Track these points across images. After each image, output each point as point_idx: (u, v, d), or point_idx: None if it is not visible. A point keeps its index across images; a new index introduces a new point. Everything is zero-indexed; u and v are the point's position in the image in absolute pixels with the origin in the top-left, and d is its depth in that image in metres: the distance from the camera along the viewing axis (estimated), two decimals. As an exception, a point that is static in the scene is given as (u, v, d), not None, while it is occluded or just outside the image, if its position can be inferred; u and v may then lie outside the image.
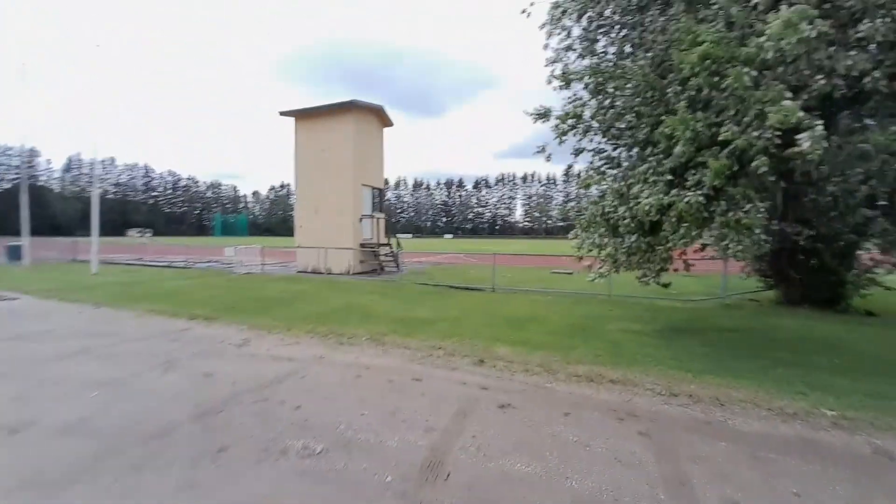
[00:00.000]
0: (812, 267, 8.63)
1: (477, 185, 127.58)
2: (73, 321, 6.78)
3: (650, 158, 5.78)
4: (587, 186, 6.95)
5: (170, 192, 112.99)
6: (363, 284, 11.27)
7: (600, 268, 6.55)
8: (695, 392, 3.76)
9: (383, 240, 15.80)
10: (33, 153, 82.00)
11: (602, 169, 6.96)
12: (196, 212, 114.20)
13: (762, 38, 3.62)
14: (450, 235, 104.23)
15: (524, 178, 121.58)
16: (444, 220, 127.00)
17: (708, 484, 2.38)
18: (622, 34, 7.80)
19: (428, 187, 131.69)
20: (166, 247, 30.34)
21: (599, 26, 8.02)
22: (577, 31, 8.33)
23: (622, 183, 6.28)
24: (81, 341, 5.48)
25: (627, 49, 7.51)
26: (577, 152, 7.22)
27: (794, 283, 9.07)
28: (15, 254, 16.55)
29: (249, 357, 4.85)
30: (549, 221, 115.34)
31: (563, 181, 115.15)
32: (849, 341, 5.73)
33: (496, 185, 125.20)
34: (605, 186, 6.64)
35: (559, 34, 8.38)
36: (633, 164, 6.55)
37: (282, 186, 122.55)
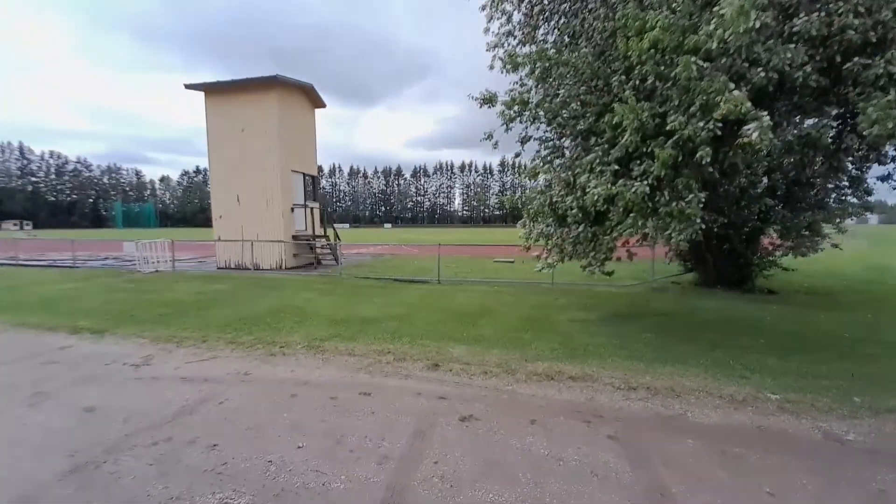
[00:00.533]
0: (724, 252, 9.53)
1: (416, 174, 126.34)
2: None
3: (595, 148, 5.73)
4: (534, 176, 6.83)
5: (53, 177, 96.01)
6: (297, 280, 10.26)
7: (548, 257, 6.50)
8: (651, 384, 3.74)
9: (319, 231, 14.66)
10: None
11: (549, 158, 6.89)
12: (90, 200, 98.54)
13: (711, 27, 3.60)
14: (389, 225, 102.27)
15: (462, 168, 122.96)
16: (383, 209, 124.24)
17: (688, 493, 2.24)
18: (562, 21, 7.72)
19: (365, 175, 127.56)
20: (50, 242, 25.56)
21: (541, 11, 7.86)
22: (517, 17, 8.14)
23: (569, 173, 6.20)
24: None
25: (567, 37, 7.45)
26: (524, 140, 7.06)
27: (709, 266, 9.96)
28: None
29: (150, 381, 3.94)
30: (487, 210, 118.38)
31: (499, 171, 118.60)
32: (764, 321, 6.31)
33: (434, 174, 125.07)
34: (551, 176, 6.53)
35: (500, 18, 8.12)
36: (579, 153, 6.52)
37: (197, 171, 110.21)
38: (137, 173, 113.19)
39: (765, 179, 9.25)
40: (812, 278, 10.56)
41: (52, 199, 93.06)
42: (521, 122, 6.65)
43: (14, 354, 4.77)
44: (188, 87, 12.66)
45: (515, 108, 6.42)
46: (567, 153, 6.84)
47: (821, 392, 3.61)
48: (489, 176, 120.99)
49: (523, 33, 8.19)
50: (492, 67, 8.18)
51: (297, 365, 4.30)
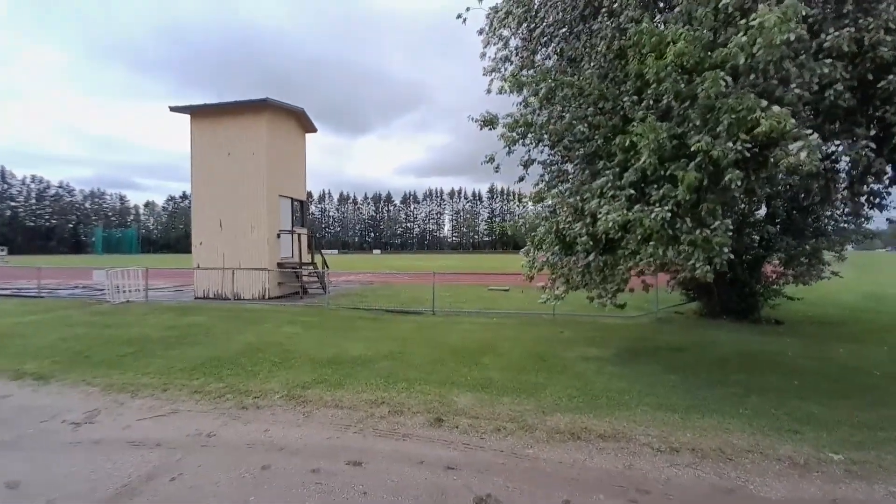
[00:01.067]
0: (727, 281, 9.18)
1: (405, 201, 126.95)
2: None
3: (605, 172, 5.38)
4: (539, 200, 6.45)
5: (34, 202, 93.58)
6: (281, 312, 9.51)
7: (556, 289, 6.01)
8: (695, 444, 3.16)
9: (306, 258, 13.98)
10: None
11: (553, 182, 6.53)
12: (70, 226, 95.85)
13: (742, 38, 3.30)
14: (378, 251, 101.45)
15: (451, 194, 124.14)
16: (373, 235, 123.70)
17: None
18: (561, 44, 7.57)
19: (355, 201, 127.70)
20: (19, 269, 24.20)
21: (541, 35, 7.73)
22: (514, 42, 8.02)
23: (576, 198, 5.80)
24: None
25: (566, 61, 7.27)
26: (527, 164, 6.72)
27: (713, 296, 9.59)
28: None
29: (90, 446, 3.20)
30: (476, 236, 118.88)
31: (489, 197, 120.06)
32: (785, 356, 5.84)
33: (424, 200, 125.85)
34: (556, 201, 6.12)
35: (496, 44, 7.99)
36: (586, 178, 6.17)
37: (183, 197, 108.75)
38: (121, 198, 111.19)
39: (763, 206, 9.10)
40: (813, 307, 10.25)
41: (31, 224, 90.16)
42: (523, 144, 6.33)
43: (-70, 409, 3.97)
44: (173, 109, 12.22)
45: (519, 129, 6.10)
46: (572, 177, 6.50)
47: (883, 447, 3.12)
48: (478, 202, 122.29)
49: (521, 58, 8.05)
50: (489, 91, 7.97)
51: (274, 421, 3.60)
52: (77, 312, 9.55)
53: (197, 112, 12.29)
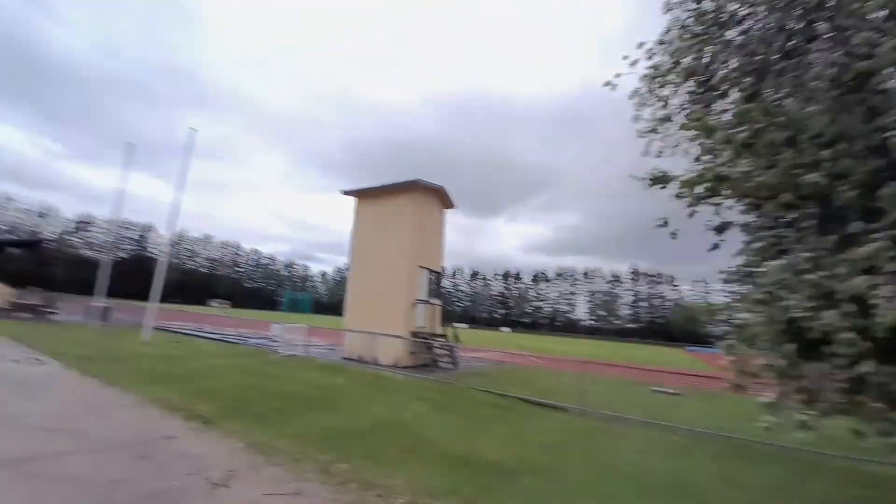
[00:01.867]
0: None
1: (535, 279, 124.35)
2: (58, 404, 5.49)
3: (869, 235, 3.62)
4: (747, 276, 4.79)
5: (252, 268, 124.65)
6: (412, 385, 9.16)
7: (794, 410, 4.02)
8: None
9: (438, 329, 13.91)
10: (146, 228, 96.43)
11: (769, 252, 4.81)
12: (270, 288, 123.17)
13: None
14: (508, 329, 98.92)
15: (585, 274, 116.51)
16: (501, 311, 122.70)
17: None
18: (752, 85, 6.16)
19: (484, 278, 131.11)
20: (230, 318, 31.15)
21: (724, 79, 6.51)
22: (675, 101, 7.01)
23: (818, 274, 4.02)
24: (29, 443, 4.00)
25: (754, 103, 5.77)
26: (720, 228, 5.21)
27: None
28: (103, 314, 17.82)
29: (214, 518, 2.92)
30: (619, 321, 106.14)
31: (631, 279, 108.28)
32: None
33: (555, 279, 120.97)
34: (777, 278, 4.38)
35: (653, 105, 7.11)
36: (829, 244, 4.33)
37: (348, 268, 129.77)
38: (305, 268, 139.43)
39: None
40: None
41: (248, 285, 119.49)
42: (711, 203, 4.98)
43: (122, 437, 4.49)
44: (345, 193, 14.67)
45: (705, 185, 4.83)
46: (802, 245, 4.68)
47: None
48: (618, 283, 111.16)
49: (686, 112, 6.91)
50: (646, 153, 6.94)
51: (395, 540, 2.79)
52: (253, 361, 11.06)
53: (361, 193, 14.45)
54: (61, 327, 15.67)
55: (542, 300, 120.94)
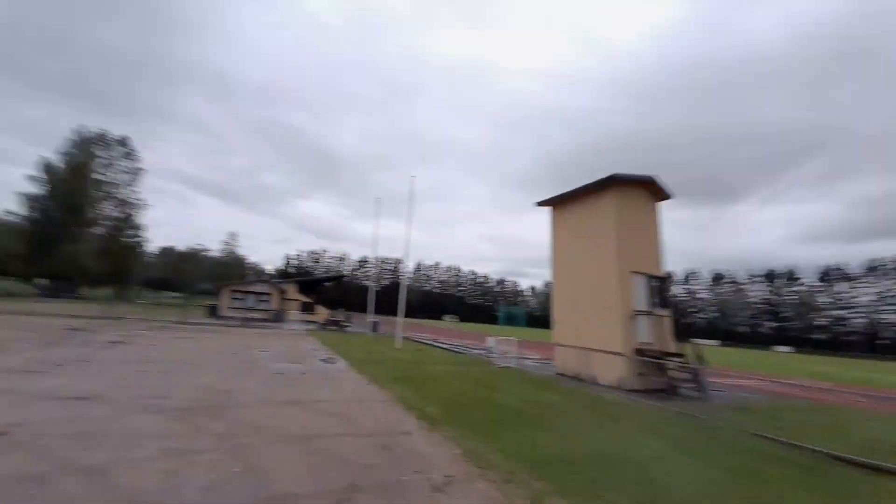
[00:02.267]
0: None
1: (825, 278, 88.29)
2: (339, 395, 7.23)
3: None
4: None
5: (471, 287, 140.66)
6: (644, 414, 7.62)
7: None
8: None
9: (671, 346, 11.37)
10: (398, 261, 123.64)
11: None
12: (488, 304, 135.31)
13: None
14: (787, 348, 73.34)
15: (935, 265, 74.15)
16: (772, 324, 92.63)
17: None
18: None
19: (734, 280, 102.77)
20: (457, 331, 35.55)
21: None
22: None
23: None
24: (318, 424, 5.33)
25: None
26: None
27: None
28: (373, 327, 25.95)
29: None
30: None
31: None
32: None
33: (866, 275, 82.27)
34: None
35: None
36: None
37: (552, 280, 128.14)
38: (515, 284, 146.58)
39: None
40: None
41: (470, 302, 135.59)
42: None
43: (374, 427, 5.40)
44: (539, 203, 14.30)
45: None
46: None
47: None
48: None
49: None
50: None
51: None
52: (474, 369, 11.92)
53: (556, 202, 13.74)
54: (351, 336, 21.79)
55: (842, 307, 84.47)
